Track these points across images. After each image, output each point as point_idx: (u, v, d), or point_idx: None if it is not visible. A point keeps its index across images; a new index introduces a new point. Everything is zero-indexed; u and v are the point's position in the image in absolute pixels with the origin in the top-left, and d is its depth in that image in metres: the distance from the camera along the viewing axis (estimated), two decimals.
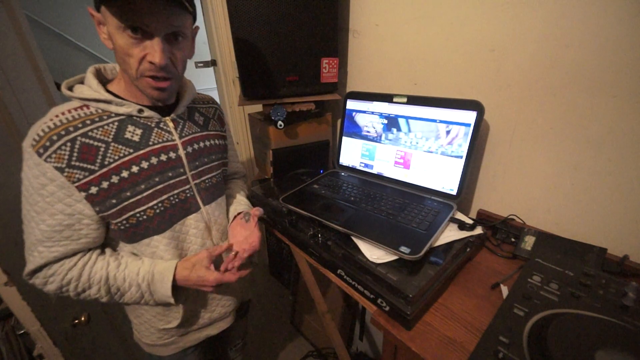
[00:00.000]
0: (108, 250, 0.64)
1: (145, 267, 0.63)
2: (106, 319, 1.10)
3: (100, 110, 0.58)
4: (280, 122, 0.96)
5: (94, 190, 0.56)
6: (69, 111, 0.56)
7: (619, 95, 0.58)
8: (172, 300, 0.63)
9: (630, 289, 0.50)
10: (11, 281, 0.65)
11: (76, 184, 0.54)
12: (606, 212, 0.64)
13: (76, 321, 0.86)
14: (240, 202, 0.84)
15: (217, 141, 0.76)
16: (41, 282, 0.58)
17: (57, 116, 0.54)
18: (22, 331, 0.75)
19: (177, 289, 0.65)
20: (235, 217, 0.79)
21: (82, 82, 0.60)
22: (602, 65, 0.58)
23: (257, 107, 1.10)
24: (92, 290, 0.60)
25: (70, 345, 0.81)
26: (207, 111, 0.76)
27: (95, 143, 0.56)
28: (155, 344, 0.75)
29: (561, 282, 0.55)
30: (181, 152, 0.65)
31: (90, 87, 0.58)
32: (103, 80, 0.62)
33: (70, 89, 0.58)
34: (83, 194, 0.55)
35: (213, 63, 1.52)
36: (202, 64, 1.48)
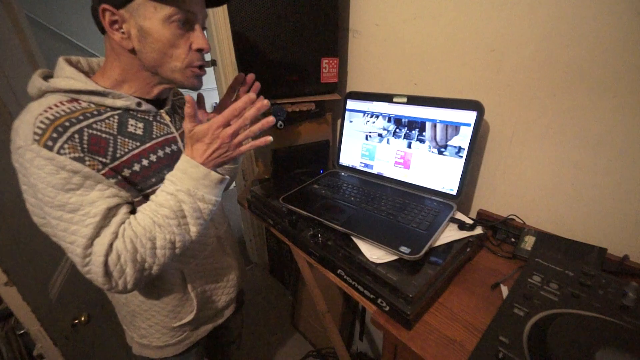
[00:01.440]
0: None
1: (168, 178, 0.55)
2: (106, 319, 1.10)
3: (93, 105, 0.54)
4: (280, 122, 0.96)
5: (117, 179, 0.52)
6: (62, 103, 0.50)
7: (619, 95, 0.58)
8: (217, 176, 0.55)
9: (630, 289, 0.50)
10: (11, 281, 0.65)
11: (101, 172, 0.50)
12: (606, 212, 0.64)
13: (76, 321, 0.86)
14: None
15: None
16: (118, 274, 0.50)
17: (50, 108, 0.48)
18: (22, 331, 0.75)
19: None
20: None
21: (48, 76, 0.54)
22: (602, 65, 0.58)
23: None
24: (157, 237, 0.52)
25: (70, 345, 0.81)
26: (181, 103, 0.76)
27: (103, 135, 0.52)
28: (167, 345, 0.74)
29: (561, 282, 0.55)
30: (180, 145, 0.65)
31: (76, 80, 0.53)
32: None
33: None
34: (112, 180, 0.51)
35: (213, 63, 1.52)
36: None
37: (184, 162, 0.54)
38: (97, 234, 0.49)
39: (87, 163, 0.48)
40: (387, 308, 0.57)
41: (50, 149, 0.45)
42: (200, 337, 0.79)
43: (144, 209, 0.54)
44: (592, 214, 0.66)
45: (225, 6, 0.74)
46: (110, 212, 0.50)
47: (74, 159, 0.47)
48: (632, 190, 0.60)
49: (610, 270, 0.60)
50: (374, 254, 0.64)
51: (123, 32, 0.52)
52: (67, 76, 0.53)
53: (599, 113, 0.61)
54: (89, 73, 0.60)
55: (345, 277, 0.66)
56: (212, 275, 0.77)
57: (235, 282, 0.84)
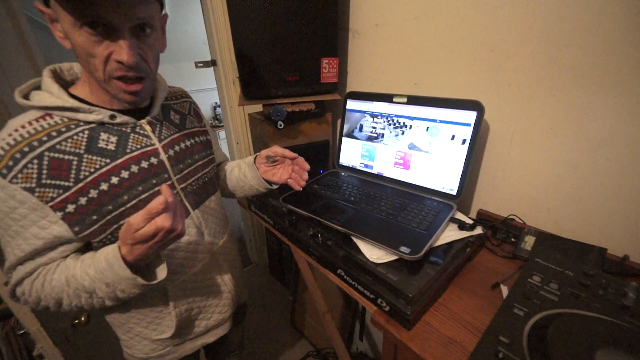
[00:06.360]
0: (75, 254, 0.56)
1: (92, 260, 0.52)
2: (106, 319, 1.10)
3: (66, 119, 0.51)
4: (280, 122, 0.96)
5: (70, 208, 0.51)
6: (30, 123, 0.49)
7: (619, 95, 0.58)
8: (142, 281, 0.51)
9: (630, 289, 0.50)
10: None
11: (50, 204, 0.49)
12: (606, 212, 0.64)
13: (76, 321, 0.87)
14: (244, 160, 0.83)
15: (198, 139, 0.71)
16: (23, 302, 0.55)
17: (16, 130, 0.48)
18: (22, 331, 0.75)
19: (151, 265, 0.55)
20: (257, 167, 0.79)
21: (38, 87, 0.53)
22: (602, 65, 0.58)
23: (257, 107, 1.10)
24: (64, 300, 0.53)
25: (70, 345, 0.81)
26: (181, 107, 0.71)
27: (66, 157, 0.50)
28: (148, 357, 0.71)
29: (561, 282, 0.55)
30: (163, 157, 0.61)
31: (50, 94, 0.51)
32: (62, 83, 0.54)
33: (26, 96, 0.51)
34: (59, 213, 0.50)
35: (213, 63, 1.52)
36: (202, 64, 1.48)
37: (114, 257, 0.49)
38: (20, 263, 0.53)
39: (37, 194, 0.49)
40: (387, 308, 0.57)
41: (4, 177, 0.47)
42: (187, 354, 0.76)
43: (65, 269, 0.53)
44: (592, 214, 0.66)
45: (225, 6, 0.74)
46: (37, 252, 0.53)
47: (25, 189, 0.48)
48: (632, 190, 0.60)
49: (610, 270, 0.60)
50: (374, 254, 0.64)
51: (60, 31, 0.48)
52: (44, 89, 0.52)
53: (599, 113, 0.61)
54: (70, 82, 0.58)
55: (345, 277, 0.66)
56: (201, 292, 0.72)
57: (229, 301, 0.79)
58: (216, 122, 3.78)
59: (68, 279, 0.52)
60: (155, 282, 0.53)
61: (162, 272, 0.55)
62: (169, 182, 0.62)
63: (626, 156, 0.60)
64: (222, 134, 3.53)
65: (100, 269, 0.50)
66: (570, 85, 0.63)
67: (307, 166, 0.75)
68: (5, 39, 0.89)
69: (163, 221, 0.47)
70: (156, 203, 0.45)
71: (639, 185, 0.59)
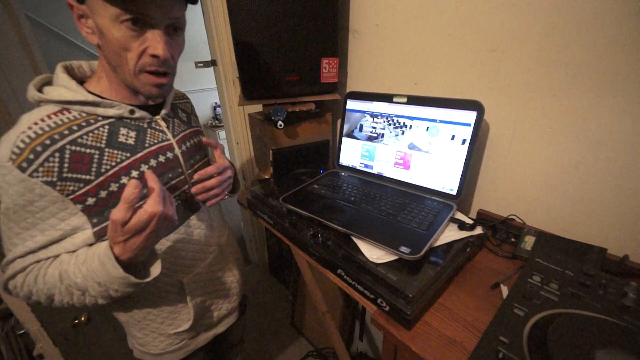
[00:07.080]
0: None
1: (85, 258, 0.51)
2: (106, 319, 1.10)
3: (84, 114, 0.52)
4: (280, 122, 0.96)
5: (91, 201, 0.52)
6: (49, 117, 0.49)
7: (619, 95, 0.58)
8: (135, 280, 0.50)
9: (630, 289, 0.50)
10: None
11: (71, 197, 0.50)
12: (606, 212, 0.64)
13: (76, 321, 0.87)
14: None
15: (200, 137, 0.74)
16: (15, 296, 0.54)
17: (35, 123, 0.48)
18: (22, 331, 0.75)
19: (146, 264, 0.55)
20: None
21: (48, 82, 0.54)
22: (602, 65, 0.58)
23: (257, 107, 1.10)
24: (56, 296, 0.52)
25: (70, 345, 0.81)
26: (185, 107, 0.75)
27: (88, 150, 0.51)
28: (164, 352, 0.72)
29: (561, 282, 0.55)
30: (177, 151, 0.63)
31: (68, 89, 0.52)
32: (75, 80, 0.56)
33: (40, 91, 0.52)
34: (79, 206, 0.51)
35: (213, 63, 1.52)
36: (202, 64, 1.48)
37: (106, 256, 0.48)
38: (24, 255, 0.51)
39: (58, 188, 0.48)
40: (387, 308, 0.57)
41: (24, 170, 0.46)
42: (200, 345, 0.78)
43: (59, 264, 0.51)
44: (592, 214, 0.66)
45: (225, 6, 0.74)
46: (51, 243, 0.52)
47: (45, 182, 0.47)
48: (632, 190, 0.60)
49: (610, 270, 0.60)
50: (374, 254, 0.64)
51: (88, 27, 0.50)
52: (60, 84, 0.53)
53: (599, 113, 0.61)
54: (89, 78, 0.59)
55: (345, 277, 0.66)
56: (213, 283, 0.76)
57: (237, 290, 0.83)
58: (216, 122, 3.77)
59: (61, 275, 0.51)
60: (148, 279, 0.52)
61: (156, 269, 0.54)
62: (181, 177, 0.64)
63: (626, 156, 0.60)
64: (222, 134, 3.53)
65: (93, 268, 0.49)
66: (570, 85, 0.63)
67: (205, 171, 0.65)
68: (5, 39, 0.90)
69: (154, 207, 0.46)
70: (130, 190, 0.44)
71: (639, 185, 0.59)
